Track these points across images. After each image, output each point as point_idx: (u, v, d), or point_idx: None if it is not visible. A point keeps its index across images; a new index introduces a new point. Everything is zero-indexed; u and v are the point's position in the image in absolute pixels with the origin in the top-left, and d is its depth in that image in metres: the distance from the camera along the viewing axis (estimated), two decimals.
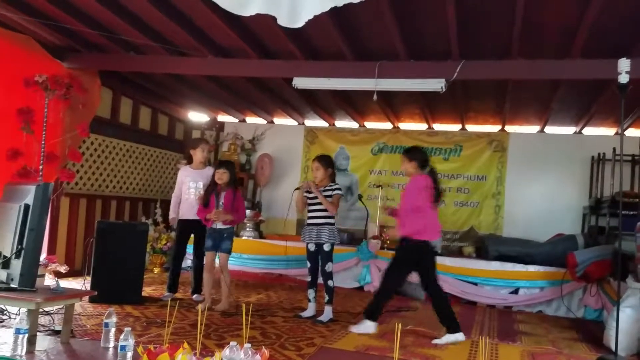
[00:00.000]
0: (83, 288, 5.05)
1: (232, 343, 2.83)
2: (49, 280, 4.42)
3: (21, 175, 5.25)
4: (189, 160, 5.98)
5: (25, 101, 5.31)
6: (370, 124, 8.47)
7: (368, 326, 4.46)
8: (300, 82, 5.47)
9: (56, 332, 3.69)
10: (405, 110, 7.55)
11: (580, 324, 5.64)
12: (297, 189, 5.11)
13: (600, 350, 4.43)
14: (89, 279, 5.05)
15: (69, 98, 5.62)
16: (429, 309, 5.94)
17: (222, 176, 5.10)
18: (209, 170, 5.62)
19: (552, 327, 5.46)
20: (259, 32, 5.10)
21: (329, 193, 4.92)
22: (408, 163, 4.58)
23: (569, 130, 7.65)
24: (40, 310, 3.61)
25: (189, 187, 5.57)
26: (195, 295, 5.51)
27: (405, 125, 8.30)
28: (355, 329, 4.47)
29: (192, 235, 5.61)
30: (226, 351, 2.81)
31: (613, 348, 4.13)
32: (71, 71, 5.80)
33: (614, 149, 6.42)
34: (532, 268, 6.24)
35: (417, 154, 4.66)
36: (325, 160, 5.05)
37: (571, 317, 5.99)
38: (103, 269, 4.99)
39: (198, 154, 5.69)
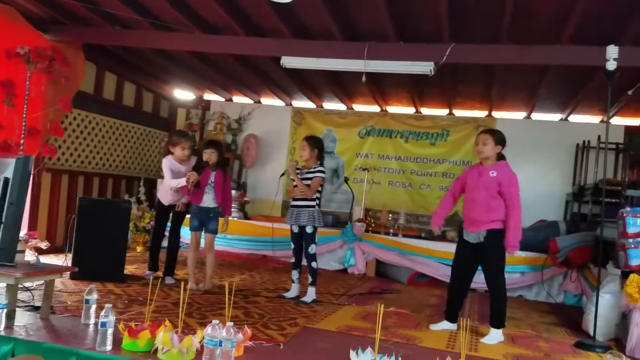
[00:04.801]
0: (64, 265, 4.99)
1: (215, 321, 2.82)
2: (30, 256, 4.37)
3: (2, 149, 5.15)
4: (167, 152, 5.39)
5: (6, 73, 5.18)
6: (358, 107, 8.42)
7: (498, 334, 4.09)
8: (288, 62, 5.41)
9: (36, 308, 3.65)
10: (394, 93, 7.52)
11: (559, 309, 5.72)
12: (282, 174, 5.03)
13: (578, 334, 4.50)
14: (70, 256, 5.00)
15: (51, 71, 5.48)
16: (411, 291, 6.02)
17: (211, 156, 5.02)
18: (194, 161, 5.28)
19: (532, 311, 5.53)
20: (248, 8, 5.02)
21: (311, 175, 4.87)
22: (495, 146, 4.14)
23: (555, 117, 7.69)
24: (20, 285, 3.56)
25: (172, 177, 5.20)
26: (167, 278, 5.28)
27: (393, 109, 8.28)
28: (488, 339, 4.04)
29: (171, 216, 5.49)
30: (208, 329, 2.80)
31: (591, 333, 4.20)
32: (54, 44, 5.66)
33: (599, 137, 6.45)
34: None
35: (502, 137, 4.20)
36: (313, 141, 4.98)
37: (551, 302, 6.07)
38: (85, 246, 4.93)
39: (177, 152, 5.23)
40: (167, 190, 5.31)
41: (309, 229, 4.85)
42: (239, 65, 6.65)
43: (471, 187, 4.22)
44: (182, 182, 5.04)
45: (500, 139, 4.19)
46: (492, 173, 4.12)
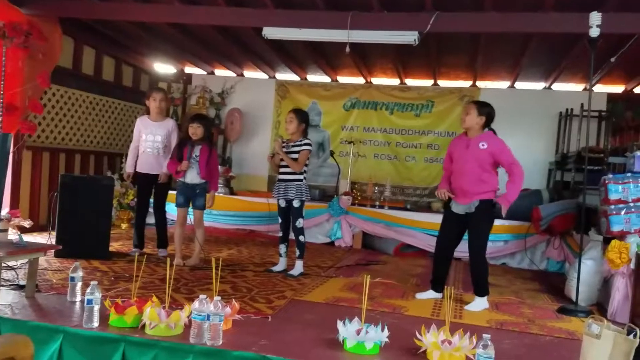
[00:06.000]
0: (48, 243, 4.94)
1: (202, 296, 2.82)
2: (13, 235, 4.31)
3: None
4: (148, 111, 5.49)
5: None
6: (342, 79, 8.35)
7: (482, 302, 4.15)
8: (270, 32, 5.31)
9: (20, 287, 3.61)
10: (378, 64, 7.46)
11: (542, 276, 5.83)
12: (272, 156, 4.98)
13: (561, 300, 4.59)
14: (54, 234, 4.95)
15: (28, 46, 5.34)
16: (397, 262, 6.08)
17: (197, 130, 4.92)
18: (169, 123, 5.37)
19: (516, 278, 5.62)
20: None
21: (297, 149, 4.83)
22: (477, 117, 4.10)
23: (539, 85, 7.70)
24: (4, 264, 3.52)
25: (145, 139, 5.29)
26: (160, 250, 5.38)
27: (377, 81, 8.23)
28: (472, 306, 4.10)
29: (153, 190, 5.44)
30: (195, 304, 2.80)
31: (574, 298, 4.29)
32: (30, 18, 5.47)
33: (582, 105, 6.50)
34: (497, 222, 6.30)
35: (489, 110, 4.16)
36: (301, 115, 4.91)
37: (534, 269, 6.18)
38: (68, 224, 4.88)
39: (151, 104, 5.33)
40: (134, 155, 5.41)
41: (296, 203, 4.83)
42: (220, 37, 6.53)
43: (459, 158, 4.19)
44: (128, 168, 5.45)
45: (485, 111, 4.14)
46: (482, 145, 4.08)
